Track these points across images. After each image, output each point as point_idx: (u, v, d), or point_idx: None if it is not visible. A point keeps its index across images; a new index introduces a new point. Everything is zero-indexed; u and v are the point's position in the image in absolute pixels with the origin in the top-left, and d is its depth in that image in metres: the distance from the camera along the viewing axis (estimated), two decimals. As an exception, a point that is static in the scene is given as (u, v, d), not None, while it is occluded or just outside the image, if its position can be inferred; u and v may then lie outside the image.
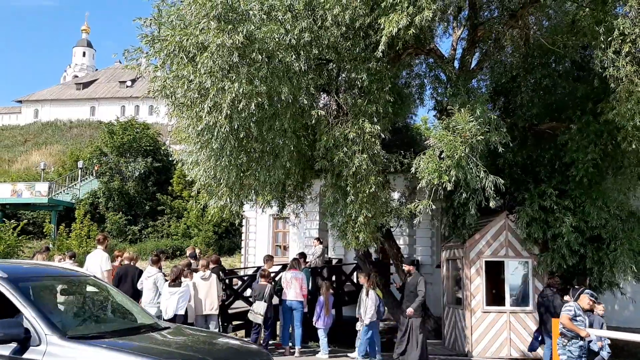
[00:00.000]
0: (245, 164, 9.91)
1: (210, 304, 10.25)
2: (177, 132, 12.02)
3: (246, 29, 8.59)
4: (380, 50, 9.09)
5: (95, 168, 33.84)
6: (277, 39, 9.02)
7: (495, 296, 12.15)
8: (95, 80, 77.88)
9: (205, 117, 8.64)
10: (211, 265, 11.49)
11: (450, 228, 12.87)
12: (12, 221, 32.85)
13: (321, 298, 11.03)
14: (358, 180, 10.06)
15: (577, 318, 7.77)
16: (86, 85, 76.35)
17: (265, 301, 10.67)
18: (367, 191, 9.99)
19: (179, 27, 8.83)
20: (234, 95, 8.57)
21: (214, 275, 10.67)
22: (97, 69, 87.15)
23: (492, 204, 9.40)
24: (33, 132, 62.79)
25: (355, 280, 18.39)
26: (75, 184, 39.89)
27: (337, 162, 9.99)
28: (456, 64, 12.46)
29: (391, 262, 16.25)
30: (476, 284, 11.92)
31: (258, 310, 10.61)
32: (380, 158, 10.56)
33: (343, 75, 10.71)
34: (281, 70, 9.15)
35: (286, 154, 9.80)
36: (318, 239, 17.94)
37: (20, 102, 76.09)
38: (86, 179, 41.06)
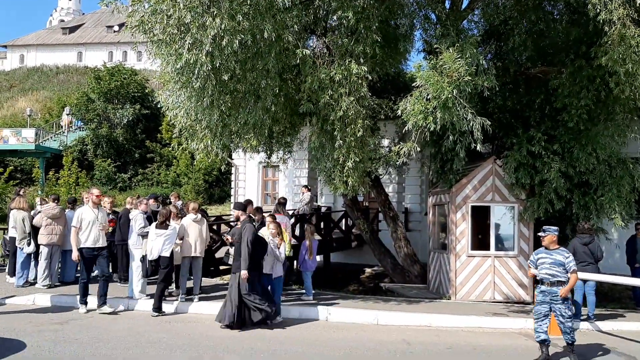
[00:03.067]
0: (227, 104, 9.65)
1: (200, 247, 10.21)
2: (162, 76, 11.66)
3: (227, -40, 8.18)
4: (367, -14, 8.72)
5: (66, 122, 33.40)
6: (259, -27, 8.62)
7: (481, 241, 12.16)
8: (82, 24, 75.97)
9: (185, 54, 8.31)
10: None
11: (438, 174, 12.76)
12: (-1, 167, 32.70)
13: (305, 242, 10.99)
14: (346, 124, 9.85)
15: (538, 262, 7.63)
16: (72, 30, 74.50)
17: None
18: (356, 135, 9.79)
19: (157, -41, 8.39)
20: (215, 31, 8.22)
21: (204, 219, 10.59)
22: (83, 13, 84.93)
23: (479, 147, 9.25)
24: (19, 78, 61.54)
25: (343, 228, 18.49)
26: (63, 131, 39.34)
27: (323, 105, 9.74)
28: (447, 4, 12.07)
29: (379, 209, 16.26)
30: (461, 229, 11.91)
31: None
32: (367, 101, 10.32)
33: (329, 12, 10.33)
34: (264, 7, 8.77)
35: (269, 95, 9.53)
36: (306, 186, 17.85)
37: (5, 47, 74.32)
38: (72, 125, 40.48)
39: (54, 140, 38.09)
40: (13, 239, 10.99)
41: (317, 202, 19.66)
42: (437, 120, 8.88)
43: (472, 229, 11.96)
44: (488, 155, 12.31)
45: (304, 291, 10.79)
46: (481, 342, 8.48)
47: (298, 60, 9.42)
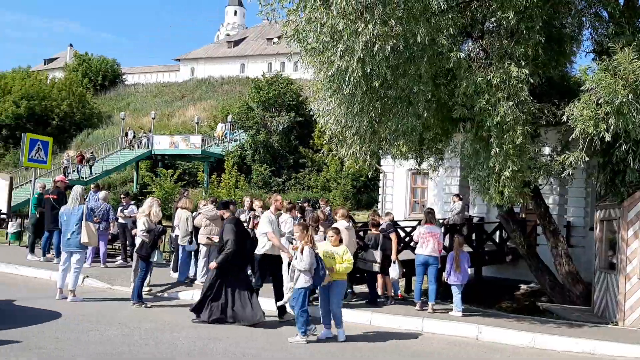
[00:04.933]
0: (377, 110, 9.53)
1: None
2: (315, 84, 11.91)
3: (381, -34, 8.08)
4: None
5: (220, 134, 35.79)
6: (414, -24, 8.39)
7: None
8: (245, 38, 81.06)
9: (336, 61, 8.36)
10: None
11: (607, 186, 11.54)
12: (169, 170, 35.87)
13: (451, 253, 10.52)
14: (503, 131, 9.26)
15: None
16: (236, 43, 79.77)
17: (380, 250, 10.59)
18: (514, 142, 9.17)
19: (313, -31, 8.54)
20: (367, 37, 8.18)
21: (352, 226, 10.64)
22: (247, 27, 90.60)
23: (658, 157, 8.19)
24: (189, 89, 67.11)
25: (497, 240, 17.53)
26: (216, 142, 42.10)
27: (478, 111, 9.24)
28: (621, 1, 10.90)
29: (538, 222, 15.16)
30: (633, 248, 10.62)
31: (370, 258, 10.50)
32: (528, 106, 9.62)
33: (487, 15, 9.80)
34: (418, 10, 8.54)
35: (422, 100, 9.25)
36: (458, 195, 17.20)
37: (178, 60, 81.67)
38: (235, 132, 43.21)
39: (217, 146, 40.88)
40: (177, 237, 11.83)
41: (468, 211, 18.87)
42: (610, 127, 8.00)
43: (647, 249, 10.61)
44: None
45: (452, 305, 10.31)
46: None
47: (452, 64, 9.03)
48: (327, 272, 8.12)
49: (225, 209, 9.50)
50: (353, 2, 8.18)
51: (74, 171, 34.28)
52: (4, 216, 19.09)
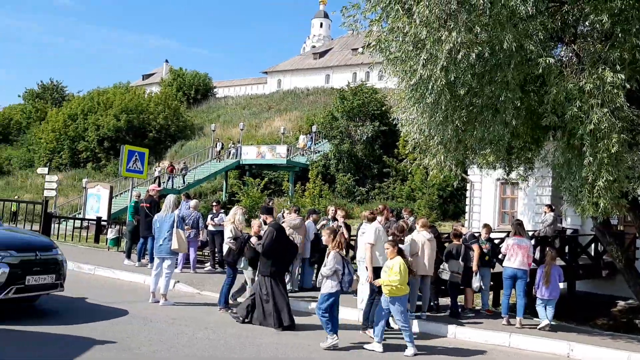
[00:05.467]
0: (463, 119, 9.33)
1: (430, 265, 10.10)
2: (399, 93, 11.85)
3: (465, -27, 7.94)
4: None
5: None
6: (500, -19, 8.17)
7: None
8: (330, 49, 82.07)
9: (419, 70, 8.28)
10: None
11: None
12: (256, 179, 36.83)
13: (542, 266, 10.11)
14: (597, 139, 8.79)
15: None
16: (322, 54, 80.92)
17: (461, 261, 10.33)
18: (609, 150, 8.68)
19: (395, -22, 8.53)
20: (451, 45, 8.03)
21: (433, 237, 10.48)
22: (332, 39, 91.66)
23: None
24: (275, 100, 68.70)
25: (592, 253, 16.62)
26: (300, 153, 42.73)
27: (570, 118, 8.82)
28: None
29: (637, 234, 14.26)
30: None
31: (451, 269, 10.26)
32: (624, 113, 9.08)
33: (580, 18, 9.36)
34: (505, 16, 8.30)
35: (509, 108, 8.96)
36: (549, 205, 16.51)
37: (265, 73, 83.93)
38: (320, 142, 43.72)
39: (302, 156, 41.51)
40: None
41: (561, 223, 18.03)
42: None
43: None
44: None
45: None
46: None
47: (541, 70, 8.70)
48: (354, 278, 8.16)
49: (269, 214, 9.99)
50: (436, 10, 8.09)
51: (167, 180, 35.95)
52: (105, 223, 20.33)
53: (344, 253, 8.40)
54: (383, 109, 39.60)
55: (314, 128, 43.71)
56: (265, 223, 9.89)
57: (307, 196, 32.99)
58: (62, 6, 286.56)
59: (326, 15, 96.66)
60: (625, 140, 9.20)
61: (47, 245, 8.91)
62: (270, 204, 12.46)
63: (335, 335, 7.97)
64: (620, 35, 8.75)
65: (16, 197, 40.10)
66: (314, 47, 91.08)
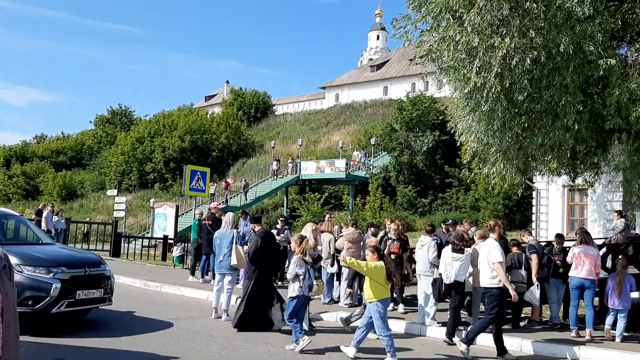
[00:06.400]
0: (522, 125, 9.09)
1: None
2: (456, 102, 11.69)
3: (517, -23, 7.77)
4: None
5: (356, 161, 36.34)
6: (554, -17, 7.95)
7: None
8: (388, 61, 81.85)
9: (473, 78, 8.15)
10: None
11: None
12: (316, 194, 37.05)
13: (612, 275, 9.65)
14: (665, 141, 8.39)
15: None
16: (379, 66, 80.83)
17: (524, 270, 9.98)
18: (678, 153, 8.27)
19: (445, -13, 8.45)
20: (505, 51, 7.87)
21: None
22: (389, 50, 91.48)
23: None
24: (333, 115, 69.04)
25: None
26: (369, 160, 42.65)
27: (635, 120, 8.45)
28: None
29: None
30: None
31: (514, 279, 9.87)
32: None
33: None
34: (561, 18, 8.06)
35: (571, 112, 8.66)
36: (620, 212, 15.76)
37: (323, 88, 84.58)
38: (379, 154, 43.57)
39: (361, 169, 41.46)
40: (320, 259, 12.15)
41: (635, 229, 17.18)
42: None
43: None
44: None
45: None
46: None
47: (602, 72, 8.38)
48: (315, 283, 8.53)
49: (257, 223, 10.75)
50: (488, 17, 7.95)
51: (231, 198, 36.74)
52: (171, 241, 20.97)
53: (310, 259, 8.94)
54: (443, 118, 39.05)
55: (372, 141, 43.58)
56: (254, 231, 10.59)
57: (368, 209, 32.86)
58: (126, 33, 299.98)
59: (383, 28, 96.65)
60: (697, 141, 8.73)
61: (95, 262, 9.43)
62: (327, 216, 12.53)
63: (305, 337, 8.25)
64: (685, 30, 8.33)
65: (88, 218, 41.96)
66: (371, 59, 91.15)
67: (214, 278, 13.04)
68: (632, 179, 9.13)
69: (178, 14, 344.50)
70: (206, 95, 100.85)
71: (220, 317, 10.35)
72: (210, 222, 14.40)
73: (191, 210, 31.42)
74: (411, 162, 37.77)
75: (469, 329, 8.80)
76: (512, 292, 8.48)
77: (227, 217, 10.79)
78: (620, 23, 9.28)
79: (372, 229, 12.19)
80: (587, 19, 8.32)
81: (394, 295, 11.57)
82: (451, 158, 37.49)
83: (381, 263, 8.08)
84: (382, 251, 8.73)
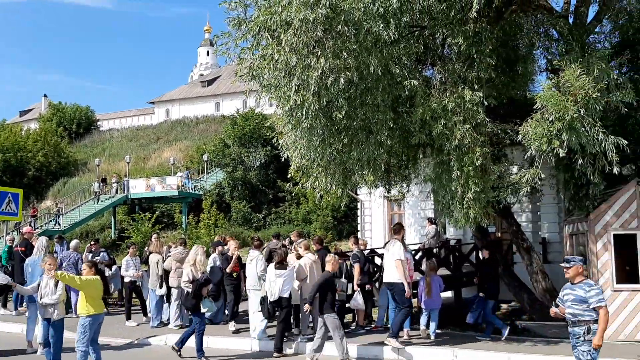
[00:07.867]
0: (341, 141, 9.61)
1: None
2: (280, 119, 12.01)
3: (329, 1, 8.23)
4: (474, 10, 8.34)
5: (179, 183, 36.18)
6: (363, 9, 8.54)
7: (629, 274, 10.86)
8: (219, 77, 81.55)
9: (292, 96, 8.46)
10: (317, 247, 11.45)
11: (573, 200, 11.72)
12: (146, 213, 35.53)
13: (422, 277, 10.58)
14: (462, 154, 9.39)
15: (564, 298, 6.71)
16: (210, 82, 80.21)
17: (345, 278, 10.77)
18: (474, 163, 9.28)
19: (264, 7, 8.70)
20: (320, 71, 8.29)
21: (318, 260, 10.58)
22: (220, 66, 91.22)
23: (615, 169, 8.34)
24: (164, 130, 66.98)
25: (474, 261, 17.55)
26: (202, 177, 41.97)
27: (437, 136, 9.37)
28: (570, 19, 11.22)
29: (512, 240, 15.25)
30: (603, 260, 10.73)
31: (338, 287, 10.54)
32: (486, 128, 9.78)
33: (439, 41, 10.03)
34: (370, 42, 8.71)
35: (383, 129, 9.36)
36: (430, 219, 17.28)
37: (152, 103, 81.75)
38: (212, 170, 43.07)
39: (194, 186, 40.65)
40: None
41: (445, 234, 18.93)
42: (564, 143, 8.16)
43: (617, 260, 10.73)
44: (631, 178, 11.08)
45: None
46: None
47: (407, 92, 9.18)
48: None
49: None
50: (304, 37, 8.31)
51: (46, 223, 33.81)
52: (-23, 272, 18.74)
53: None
54: (272, 134, 39.80)
55: (205, 157, 42.96)
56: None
57: (202, 227, 32.26)
58: None
59: (212, 44, 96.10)
60: (488, 153, 9.89)
61: None
62: (154, 237, 12.12)
63: None
64: (475, 56, 9.45)
65: None
66: (202, 75, 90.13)
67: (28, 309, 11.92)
68: (438, 189, 10.06)
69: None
70: (21, 110, 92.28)
71: (36, 352, 9.45)
72: (23, 249, 13.12)
73: (2, 237, 28.36)
74: (245, 178, 37.89)
75: (390, 324, 9.18)
76: (406, 287, 9.31)
77: (40, 243, 9.95)
78: (422, 47, 10.27)
79: (219, 248, 11.93)
80: (393, 43, 9.08)
81: (226, 312, 11.52)
82: (283, 173, 38.18)
83: (97, 277, 8.10)
84: (99, 266, 9.00)
